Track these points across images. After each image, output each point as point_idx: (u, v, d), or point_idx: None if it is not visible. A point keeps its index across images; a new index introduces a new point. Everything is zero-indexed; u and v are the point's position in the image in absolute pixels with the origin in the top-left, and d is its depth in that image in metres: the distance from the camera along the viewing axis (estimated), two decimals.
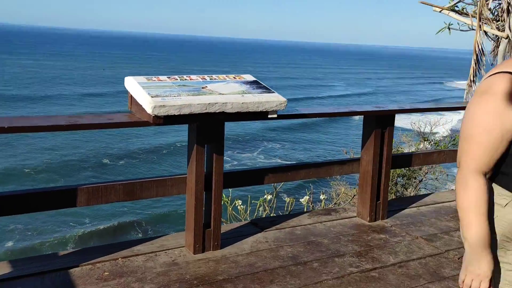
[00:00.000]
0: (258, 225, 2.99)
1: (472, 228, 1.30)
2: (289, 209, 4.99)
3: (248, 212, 4.83)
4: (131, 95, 2.36)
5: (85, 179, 15.66)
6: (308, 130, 26.96)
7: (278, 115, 2.52)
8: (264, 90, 2.54)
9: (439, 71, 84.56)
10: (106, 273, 2.32)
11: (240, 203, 4.71)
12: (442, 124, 10.71)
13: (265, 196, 4.92)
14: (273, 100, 2.45)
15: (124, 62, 66.81)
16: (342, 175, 3.23)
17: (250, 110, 2.39)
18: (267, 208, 4.97)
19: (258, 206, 4.98)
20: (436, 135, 10.19)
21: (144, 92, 2.21)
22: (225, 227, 2.91)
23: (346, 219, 3.20)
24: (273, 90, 2.55)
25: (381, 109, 3.02)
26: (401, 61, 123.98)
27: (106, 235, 11.77)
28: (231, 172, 2.74)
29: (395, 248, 2.81)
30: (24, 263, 2.40)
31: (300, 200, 5.22)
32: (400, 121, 3.20)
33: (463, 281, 1.36)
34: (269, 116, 2.50)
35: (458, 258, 2.72)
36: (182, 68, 58.11)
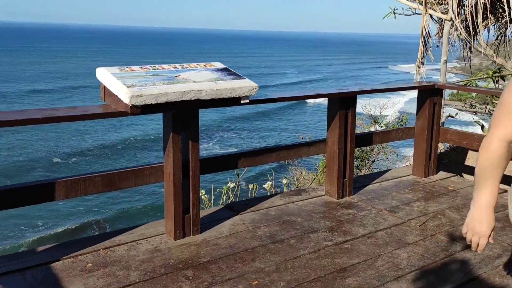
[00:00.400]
0: (234, 208, 3.08)
1: (482, 190, 1.38)
2: (253, 195, 5.11)
3: (212, 201, 4.90)
4: (104, 86, 2.35)
5: (35, 179, 15.00)
6: (262, 118, 27.25)
7: (250, 100, 2.61)
8: (235, 76, 2.61)
9: (384, 55, 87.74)
10: (89, 265, 2.32)
11: (203, 193, 4.77)
12: (390, 107, 11.20)
13: (229, 184, 5.01)
14: (245, 85, 2.53)
15: (68, 56, 63.91)
16: (311, 155, 3.38)
17: (224, 96, 2.46)
18: (231, 195, 5.07)
19: (222, 194, 5.06)
20: (386, 117, 10.66)
21: (119, 83, 2.22)
22: (201, 213, 2.97)
23: (315, 198, 3.36)
24: (243, 76, 2.63)
25: (344, 91, 3.18)
26: (348, 47, 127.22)
27: (64, 236, 11.39)
28: (206, 158, 2.80)
29: (363, 221, 3.00)
30: (1, 261, 2.35)
31: (264, 186, 5.36)
32: None
33: (466, 233, 1.47)
34: (242, 101, 2.58)
35: (419, 226, 2.96)
36: (132, 61, 56.45)
